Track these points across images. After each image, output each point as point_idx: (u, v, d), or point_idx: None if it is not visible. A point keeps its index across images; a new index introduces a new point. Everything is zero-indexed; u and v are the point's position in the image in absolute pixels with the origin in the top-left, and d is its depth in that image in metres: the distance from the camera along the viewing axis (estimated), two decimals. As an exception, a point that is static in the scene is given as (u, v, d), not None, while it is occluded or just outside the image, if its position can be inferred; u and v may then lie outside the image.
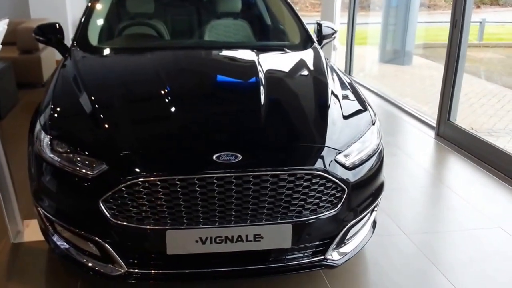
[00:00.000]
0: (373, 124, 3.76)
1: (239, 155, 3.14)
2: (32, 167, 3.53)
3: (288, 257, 3.37)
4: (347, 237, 3.52)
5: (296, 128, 3.64)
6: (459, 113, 6.73)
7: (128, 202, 3.08)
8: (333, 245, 3.43)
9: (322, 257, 3.43)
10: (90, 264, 3.37)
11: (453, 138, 6.51)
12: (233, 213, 3.13)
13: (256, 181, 3.10)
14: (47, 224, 3.50)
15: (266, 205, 3.14)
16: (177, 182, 3.04)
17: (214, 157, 3.12)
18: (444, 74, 6.65)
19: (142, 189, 3.04)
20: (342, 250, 3.53)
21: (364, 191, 3.50)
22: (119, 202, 3.09)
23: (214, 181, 3.06)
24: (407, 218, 4.69)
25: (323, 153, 3.32)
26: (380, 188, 3.70)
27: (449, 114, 6.62)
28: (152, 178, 3.04)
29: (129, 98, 3.85)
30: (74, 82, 4.02)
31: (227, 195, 3.09)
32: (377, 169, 3.63)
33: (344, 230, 3.42)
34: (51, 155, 3.33)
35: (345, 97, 3.99)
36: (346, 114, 3.73)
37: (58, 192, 3.37)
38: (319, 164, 3.25)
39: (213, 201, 3.09)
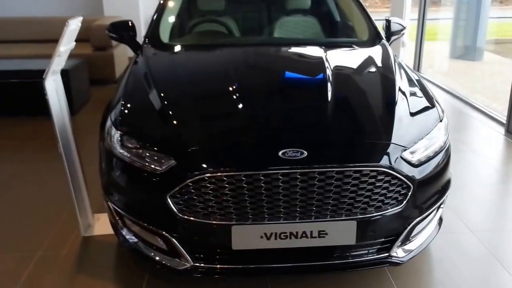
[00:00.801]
0: (441, 121, 3.71)
1: (305, 152, 3.15)
2: (103, 162, 3.62)
3: (353, 253, 3.37)
4: (412, 234, 3.50)
5: (362, 124, 3.63)
6: (530, 110, 6.60)
7: (195, 197, 3.12)
8: (398, 242, 3.42)
9: (387, 254, 3.42)
10: (157, 258, 3.44)
11: (524, 135, 6.39)
12: (298, 209, 3.14)
13: (321, 177, 3.11)
14: (117, 218, 3.58)
15: (331, 201, 3.14)
16: (243, 178, 3.07)
17: (280, 153, 3.14)
18: (515, 70, 6.53)
19: (208, 185, 3.09)
20: (407, 247, 3.51)
21: (430, 188, 3.47)
22: (186, 197, 3.13)
23: (279, 177, 3.08)
24: (474, 216, 4.63)
25: (389, 150, 3.30)
26: (447, 185, 3.67)
27: (519, 110, 6.50)
28: (218, 174, 3.08)
29: (197, 94, 3.89)
30: (144, 79, 4.09)
31: (292, 191, 3.10)
32: (444, 166, 3.59)
33: (409, 227, 3.40)
34: (121, 151, 3.40)
35: (413, 93, 3.95)
36: (413, 111, 3.70)
37: (128, 187, 3.45)
38: (384, 161, 3.24)
39: (278, 197, 3.11)
